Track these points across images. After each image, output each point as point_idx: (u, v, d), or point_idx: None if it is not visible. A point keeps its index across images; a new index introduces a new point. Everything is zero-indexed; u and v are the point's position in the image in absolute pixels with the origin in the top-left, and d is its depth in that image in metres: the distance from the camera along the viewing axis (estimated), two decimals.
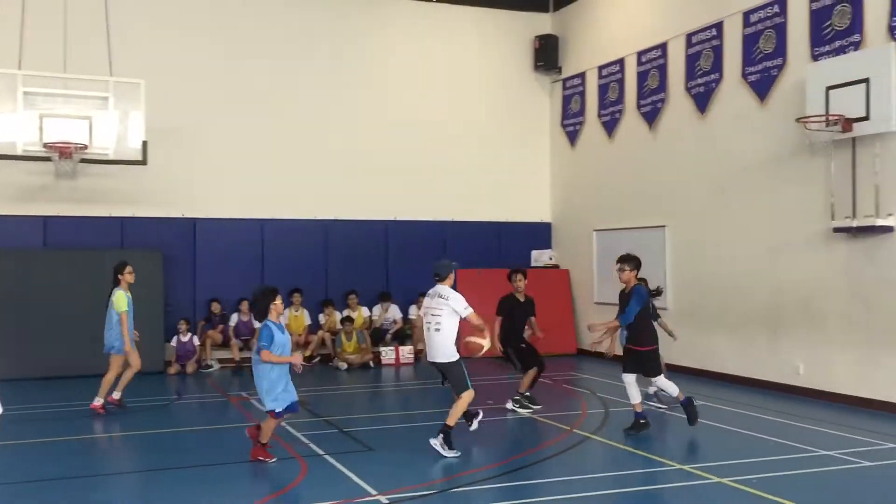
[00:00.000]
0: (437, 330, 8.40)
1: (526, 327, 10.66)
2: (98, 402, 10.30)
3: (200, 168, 14.92)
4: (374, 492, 6.89)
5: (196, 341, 14.29)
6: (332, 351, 15.05)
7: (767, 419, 9.73)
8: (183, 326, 14.18)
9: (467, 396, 8.37)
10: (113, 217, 14.45)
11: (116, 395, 10.56)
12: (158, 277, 14.15)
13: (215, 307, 14.78)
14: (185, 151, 14.75)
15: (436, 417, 10.15)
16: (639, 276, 9.19)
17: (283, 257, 15.44)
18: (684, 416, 9.07)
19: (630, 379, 9.08)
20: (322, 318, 15.42)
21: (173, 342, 14.17)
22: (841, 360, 10.82)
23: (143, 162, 12.66)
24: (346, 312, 15.42)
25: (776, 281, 11.79)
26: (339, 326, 15.18)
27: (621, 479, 7.40)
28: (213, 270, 15.00)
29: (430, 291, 8.71)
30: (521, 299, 10.66)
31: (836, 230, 10.74)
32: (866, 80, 10.08)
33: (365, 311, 15.66)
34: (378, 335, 15.45)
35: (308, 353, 15.07)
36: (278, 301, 7.97)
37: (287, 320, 15.12)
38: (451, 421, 8.25)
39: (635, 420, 9.05)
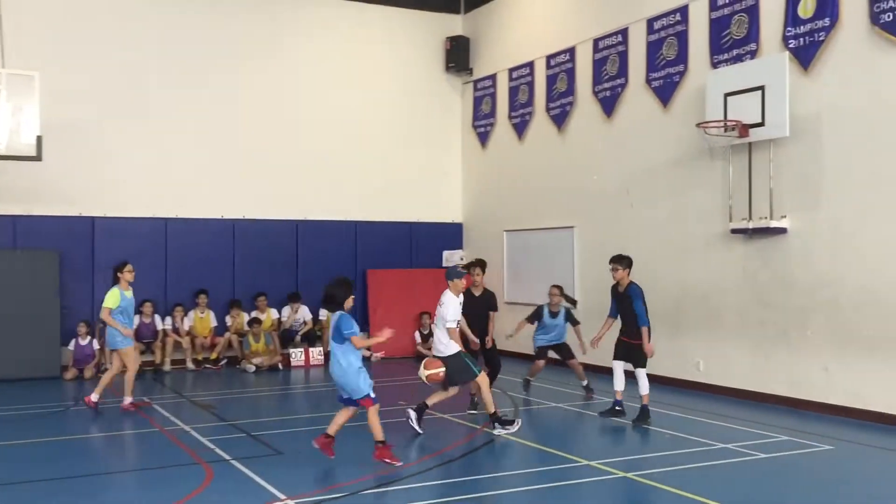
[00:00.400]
0: (437, 326, 9.35)
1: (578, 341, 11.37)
2: (128, 400, 10.65)
3: (100, 165, 14.37)
4: (282, 496, 6.77)
5: (96, 345, 13.75)
6: (239, 353, 14.73)
7: (671, 415, 10.03)
8: (83, 330, 13.63)
9: (482, 382, 9.16)
10: (5, 215, 13.77)
11: (94, 397, 10.63)
12: (54, 278, 13.57)
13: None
14: (83, 148, 14.18)
15: None
16: (555, 284, 10.37)
17: (188, 257, 15.02)
18: (592, 414, 9.27)
19: (618, 365, 9.88)
20: (229, 319, 15.08)
21: (71, 346, 13.60)
22: (738, 356, 11.26)
23: (38, 158, 12.09)
24: (254, 314, 15.13)
25: (678, 280, 12.18)
26: (246, 328, 14.88)
27: (530, 476, 7.49)
28: (111, 271, 14.41)
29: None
30: (477, 294, 10.58)
31: (734, 231, 11.17)
32: (762, 88, 10.52)
33: (274, 312, 15.41)
34: (287, 337, 15.22)
35: (214, 355, 14.73)
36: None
37: (192, 322, 14.74)
38: (490, 409, 9.11)
39: (612, 406, 9.91)
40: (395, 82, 17.02)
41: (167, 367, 14.30)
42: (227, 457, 8.07)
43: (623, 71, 13.34)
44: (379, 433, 7.80)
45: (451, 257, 17.19)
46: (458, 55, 17.21)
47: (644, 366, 9.71)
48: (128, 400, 10.71)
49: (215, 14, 15.47)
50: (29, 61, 12.59)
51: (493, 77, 16.68)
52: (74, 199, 14.20)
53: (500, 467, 8.00)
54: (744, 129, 10.70)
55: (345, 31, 16.60)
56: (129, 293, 10.94)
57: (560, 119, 14.76)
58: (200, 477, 7.41)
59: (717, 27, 11.64)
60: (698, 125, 11.16)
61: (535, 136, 15.47)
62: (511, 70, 16.10)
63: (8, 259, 13.42)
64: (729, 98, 10.88)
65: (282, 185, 15.81)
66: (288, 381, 13.59)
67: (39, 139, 11.95)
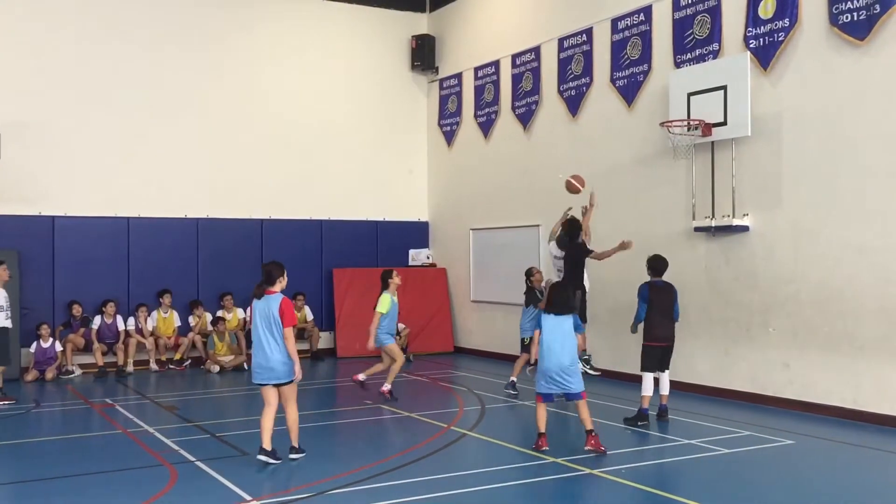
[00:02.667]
0: None
1: None
2: (387, 386, 11.02)
3: (59, 163, 14.12)
4: (248, 497, 6.72)
5: (58, 346, 13.51)
6: (203, 353, 14.58)
7: (635, 412, 10.10)
8: (44, 331, 13.38)
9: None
10: None
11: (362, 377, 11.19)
12: (14, 279, 13.27)
13: (76, 310, 14.02)
14: (42, 146, 13.93)
15: (312, 419, 10.03)
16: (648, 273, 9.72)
17: (151, 256, 14.83)
18: (556, 411, 9.28)
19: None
20: (192, 319, 14.92)
21: (32, 348, 13.34)
22: (702, 352, 11.40)
23: None
24: (220, 313, 14.98)
25: (642, 277, 12.24)
26: (210, 328, 14.73)
27: (498, 474, 7.51)
28: (73, 271, 14.22)
29: None
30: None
31: (697, 229, 11.30)
32: (724, 88, 10.66)
33: (240, 312, 15.26)
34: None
35: (178, 356, 14.56)
36: (396, 277, 10.75)
37: (155, 322, 14.56)
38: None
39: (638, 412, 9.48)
40: (360, 81, 16.96)
41: (130, 367, 14.10)
42: (192, 458, 7.99)
43: (588, 70, 13.43)
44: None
45: (418, 256, 17.19)
46: (423, 54, 17.19)
47: (643, 369, 9.54)
48: (387, 386, 11.04)
49: (177, 10, 15.27)
50: None
51: (458, 76, 16.69)
52: (34, 197, 13.93)
53: (466, 465, 8.00)
54: (707, 128, 10.83)
55: (310, 28, 16.50)
56: (394, 298, 11.09)
57: (526, 118, 14.82)
58: (165, 479, 7.32)
59: (681, 27, 11.77)
60: (662, 124, 11.28)
61: (501, 134, 15.52)
62: (476, 69, 16.12)
63: None
64: (692, 97, 11.01)
65: (246, 184, 15.67)
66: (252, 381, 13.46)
67: None
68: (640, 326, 9.60)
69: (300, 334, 15.53)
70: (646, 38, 12.35)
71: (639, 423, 9.31)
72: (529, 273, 11.41)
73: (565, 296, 8.43)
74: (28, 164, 13.73)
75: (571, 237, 11.18)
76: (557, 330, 8.19)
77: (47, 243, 14.06)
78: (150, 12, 15.02)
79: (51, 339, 13.45)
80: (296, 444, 7.94)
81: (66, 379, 13.44)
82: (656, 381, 9.59)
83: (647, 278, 9.75)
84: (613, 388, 11.75)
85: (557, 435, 9.43)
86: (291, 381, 7.82)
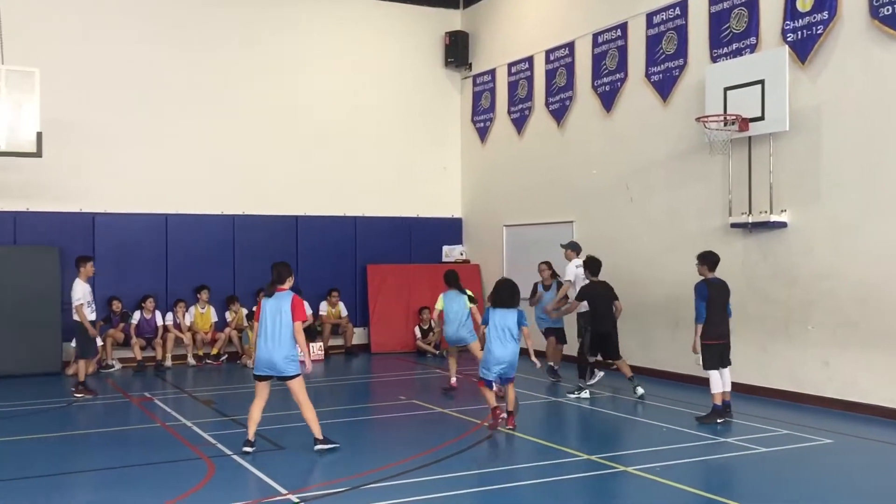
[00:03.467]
0: None
1: None
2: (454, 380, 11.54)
3: (100, 161, 14.37)
4: (284, 490, 6.79)
5: (99, 341, 13.74)
6: (239, 348, 14.75)
7: (670, 409, 10.04)
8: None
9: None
10: (5, 212, 13.78)
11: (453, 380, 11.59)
12: (55, 275, 13.58)
13: (116, 305, 14.27)
14: (83, 144, 14.19)
15: (346, 414, 10.12)
16: (543, 261, 10.96)
17: (188, 253, 15.04)
18: (591, 408, 9.25)
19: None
20: (229, 315, 15.10)
21: (73, 343, 13.58)
22: (738, 350, 11.22)
23: (38, 154, 12.10)
24: (255, 308, 15.10)
25: (677, 275, 12.16)
26: (246, 323, 14.90)
27: (530, 470, 7.51)
28: (113, 267, 14.46)
29: None
30: None
31: (734, 226, 11.18)
32: (761, 82, 10.52)
33: None
34: None
35: (215, 350, 14.75)
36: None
37: (193, 317, 14.76)
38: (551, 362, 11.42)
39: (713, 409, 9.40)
40: (394, 78, 17.01)
41: (168, 362, 14.32)
42: (229, 451, 8.10)
43: (622, 65, 13.34)
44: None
45: (451, 252, 17.21)
46: (457, 50, 17.20)
47: (705, 367, 9.46)
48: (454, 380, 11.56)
49: (214, 11, 15.45)
50: (29, 57, 12.58)
51: (492, 72, 16.67)
52: (74, 195, 14.20)
53: (499, 462, 8.02)
54: (743, 123, 10.70)
55: (344, 26, 16.59)
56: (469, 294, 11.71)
57: (559, 114, 14.76)
58: (203, 472, 7.43)
59: (717, 21, 11.63)
60: (698, 119, 11.16)
61: (535, 130, 15.47)
62: (510, 65, 16.09)
63: (8, 255, 13.43)
64: (729, 92, 10.88)
65: (281, 181, 15.81)
66: (254, 373, 13.58)
67: (39, 135, 11.96)
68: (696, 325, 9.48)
69: (335, 330, 15.67)
70: (681, 32, 12.23)
71: (718, 421, 9.21)
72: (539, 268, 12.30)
73: (510, 291, 8.99)
74: (69, 161, 13.98)
75: (594, 272, 11.19)
76: (503, 323, 8.81)
77: (88, 240, 14.30)
78: (188, 12, 15.21)
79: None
80: (319, 437, 8.02)
81: (105, 373, 13.69)
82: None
83: (669, 273, 9.68)
84: (650, 387, 11.67)
85: (591, 432, 9.41)
86: (295, 377, 7.97)
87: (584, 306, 11.30)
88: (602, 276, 11.66)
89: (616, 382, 11.75)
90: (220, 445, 8.37)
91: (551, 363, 12.17)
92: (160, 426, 9.48)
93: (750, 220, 10.90)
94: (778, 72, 10.36)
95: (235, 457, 7.90)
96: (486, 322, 9.02)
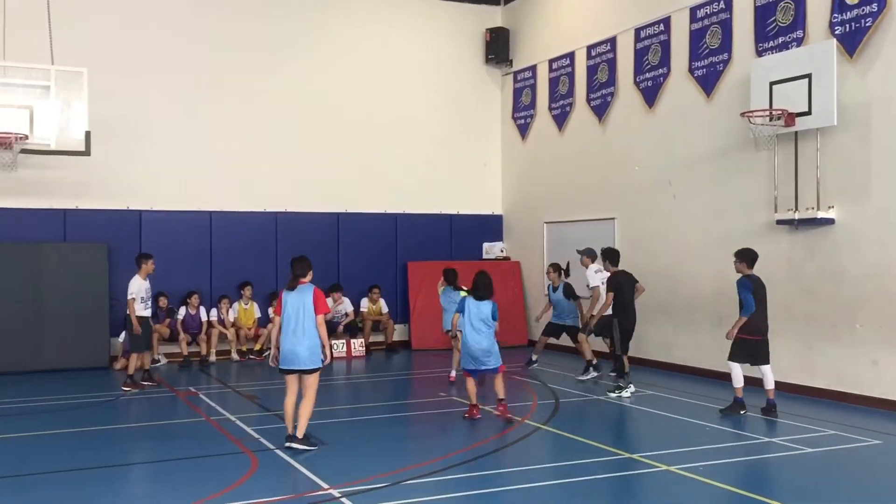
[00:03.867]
0: None
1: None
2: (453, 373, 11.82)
3: (146, 159, 14.63)
4: (325, 485, 6.86)
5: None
6: None
7: (713, 407, 9.92)
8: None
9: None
10: (55, 209, 14.10)
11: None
12: (103, 271, 13.86)
13: (162, 301, 14.51)
14: (130, 142, 14.45)
15: (386, 410, 10.17)
16: (551, 264, 11.21)
17: (231, 250, 15.24)
18: (632, 406, 9.19)
19: (734, 366, 9.59)
20: (271, 310, 15.24)
21: (120, 337, 13.88)
22: (783, 348, 11.08)
23: (87, 153, 12.35)
24: (275, 303, 15.23)
25: (720, 272, 11.99)
26: None
27: (572, 468, 7.48)
28: (159, 264, 14.58)
29: None
30: None
31: (779, 222, 10.99)
32: (808, 76, 10.33)
33: None
34: (329, 328, 15.28)
35: (258, 346, 14.93)
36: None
37: (237, 313, 14.96)
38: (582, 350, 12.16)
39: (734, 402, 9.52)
40: (435, 74, 17.04)
41: (213, 357, 14.54)
42: (272, 446, 8.20)
43: (665, 60, 13.19)
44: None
45: (492, 249, 17.19)
46: (497, 47, 17.16)
47: (731, 360, 9.53)
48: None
49: (256, 11, 15.62)
50: (77, 57, 12.84)
51: (532, 68, 16.60)
52: (122, 192, 14.48)
53: (540, 459, 8.00)
54: (790, 118, 10.52)
55: (385, 22, 16.65)
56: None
57: (601, 110, 14.65)
58: (246, 465, 7.54)
59: (763, 14, 11.44)
60: (743, 114, 10.99)
61: (576, 127, 15.38)
62: (551, 61, 16.01)
63: (58, 252, 13.75)
64: (774, 87, 10.71)
65: (323, 178, 15.94)
66: (330, 371, 13.71)
67: (88, 134, 12.20)
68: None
69: (375, 326, 15.75)
70: (726, 26, 12.05)
71: (741, 413, 9.30)
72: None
73: (486, 283, 9.40)
74: (117, 160, 14.25)
75: (613, 262, 11.35)
76: (479, 313, 9.26)
77: (135, 237, 14.58)
78: (230, 10, 15.40)
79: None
80: (300, 435, 7.97)
81: (152, 368, 13.93)
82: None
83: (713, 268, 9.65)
84: (694, 385, 11.55)
85: (632, 430, 9.34)
86: (316, 371, 8.07)
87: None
88: (643, 274, 11.58)
89: (649, 378, 11.65)
90: (263, 440, 8.48)
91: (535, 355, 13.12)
92: (205, 420, 9.64)
93: (796, 216, 10.71)
94: (825, 66, 10.16)
95: (278, 451, 7.99)
96: (461, 310, 9.43)
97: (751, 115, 10.83)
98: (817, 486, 6.99)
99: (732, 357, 9.54)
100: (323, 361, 8.15)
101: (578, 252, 12.55)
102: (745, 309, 9.40)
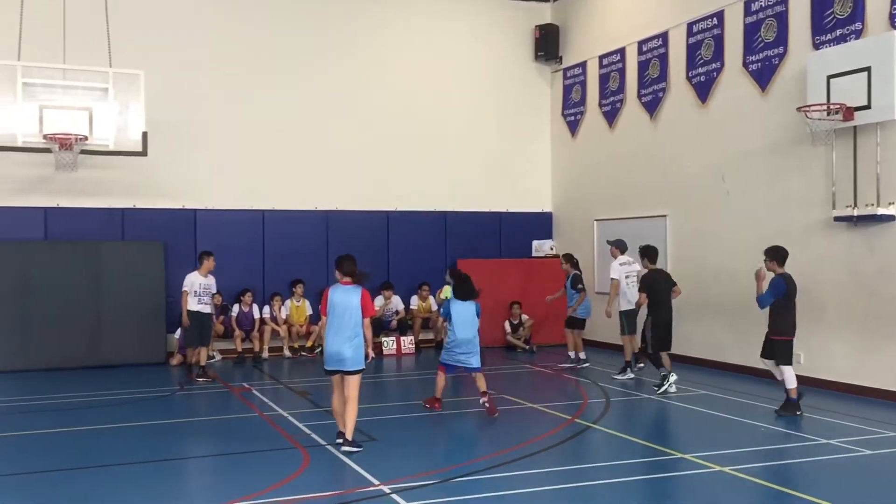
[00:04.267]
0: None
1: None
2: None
3: (201, 159, 14.92)
4: (376, 481, 6.92)
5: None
6: None
7: (768, 408, 9.74)
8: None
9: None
10: (113, 208, 14.46)
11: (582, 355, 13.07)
12: (160, 268, 14.18)
13: (217, 299, 14.73)
14: (185, 142, 14.74)
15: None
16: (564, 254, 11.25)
17: (284, 248, 15.46)
18: (685, 406, 9.08)
19: (769, 364, 9.61)
20: (320, 307, 15.39)
21: (176, 334, 14.17)
22: (841, 348, 10.84)
23: (144, 153, 12.63)
24: (322, 301, 15.35)
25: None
26: None
27: (623, 468, 7.43)
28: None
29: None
30: None
31: (837, 219, 10.74)
32: (868, 69, 10.06)
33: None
34: (380, 325, 15.46)
35: (310, 343, 15.10)
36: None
37: (289, 311, 15.15)
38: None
39: (786, 402, 9.43)
40: (484, 72, 17.03)
41: (265, 354, 14.75)
42: (323, 442, 8.29)
43: (719, 55, 12.97)
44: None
45: (541, 247, 17.12)
46: (547, 43, 17.08)
47: (786, 363, 9.39)
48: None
49: (307, 11, 15.79)
50: (135, 60, 13.15)
51: (582, 65, 16.48)
52: (177, 192, 14.78)
53: (591, 458, 7.95)
54: (848, 112, 10.27)
55: (435, 21, 16.70)
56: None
57: (652, 106, 14.48)
58: (298, 461, 7.64)
59: (820, 7, 11.19)
60: (799, 109, 10.76)
61: (627, 123, 15.22)
62: (601, 57, 15.87)
63: (116, 250, 14.10)
64: (832, 80, 10.46)
65: (373, 177, 16.06)
66: (380, 369, 13.82)
67: (145, 135, 12.47)
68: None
69: (425, 323, 15.82)
70: (782, 19, 11.81)
71: (797, 413, 9.24)
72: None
73: (469, 286, 9.75)
74: (173, 160, 14.55)
75: (652, 260, 11.34)
76: (464, 314, 9.59)
77: (190, 235, 14.88)
78: (286, 11, 15.60)
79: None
80: (349, 437, 7.97)
81: (207, 364, 14.19)
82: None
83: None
84: (747, 385, 11.36)
85: (686, 430, 9.22)
86: (359, 372, 8.06)
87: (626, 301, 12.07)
88: (692, 271, 11.42)
89: (702, 378, 11.48)
90: (314, 436, 8.58)
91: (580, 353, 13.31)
92: (258, 416, 9.79)
93: (855, 213, 10.45)
94: (886, 58, 9.89)
95: (329, 447, 8.08)
96: (446, 315, 9.68)
97: (808, 109, 10.60)
98: (876, 489, 6.81)
99: (786, 361, 9.37)
100: (365, 361, 8.17)
101: (608, 242, 12.62)
102: (762, 305, 9.46)
